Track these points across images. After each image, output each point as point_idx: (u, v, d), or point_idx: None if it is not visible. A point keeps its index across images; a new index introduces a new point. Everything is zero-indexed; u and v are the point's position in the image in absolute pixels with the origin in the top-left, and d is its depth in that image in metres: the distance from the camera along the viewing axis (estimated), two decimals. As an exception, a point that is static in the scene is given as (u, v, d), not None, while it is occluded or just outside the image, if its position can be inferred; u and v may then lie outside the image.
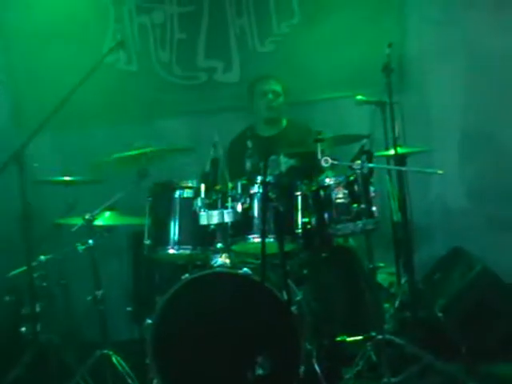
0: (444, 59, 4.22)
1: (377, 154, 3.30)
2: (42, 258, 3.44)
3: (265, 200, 2.91)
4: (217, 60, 4.49)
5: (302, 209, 3.02)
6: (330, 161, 2.95)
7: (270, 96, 3.84)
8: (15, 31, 4.35)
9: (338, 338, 3.16)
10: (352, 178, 3.04)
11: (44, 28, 4.27)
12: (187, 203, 3.03)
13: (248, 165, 3.15)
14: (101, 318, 3.18)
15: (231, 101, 4.38)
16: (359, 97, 3.58)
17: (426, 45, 4.22)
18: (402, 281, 3.56)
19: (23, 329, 3.42)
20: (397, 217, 3.49)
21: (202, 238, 3.02)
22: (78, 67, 3.50)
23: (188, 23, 4.49)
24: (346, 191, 3.03)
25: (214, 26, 4.45)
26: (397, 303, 3.51)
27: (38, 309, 3.23)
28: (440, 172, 3.17)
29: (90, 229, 3.16)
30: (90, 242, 3.15)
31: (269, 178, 2.95)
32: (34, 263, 3.31)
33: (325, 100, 4.28)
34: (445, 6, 4.19)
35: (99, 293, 3.18)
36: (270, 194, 2.92)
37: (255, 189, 3.00)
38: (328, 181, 3.06)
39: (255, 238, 2.94)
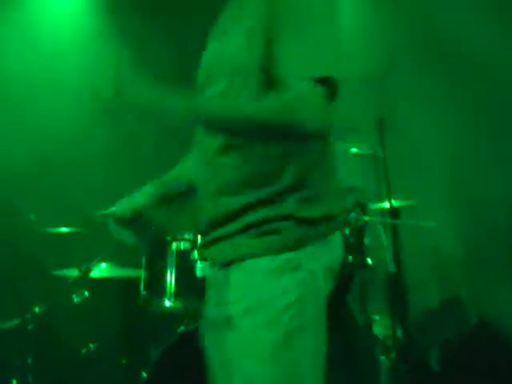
0: (432, 111, 4.32)
1: (370, 206, 3.36)
2: (37, 309, 3.42)
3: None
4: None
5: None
6: None
7: None
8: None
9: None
10: (347, 230, 3.09)
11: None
12: (184, 255, 3.05)
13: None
14: (94, 370, 3.15)
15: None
16: (353, 149, 3.65)
17: (414, 98, 4.33)
18: (398, 333, 3.56)
19: (14, 381, 3.36)
20: (391, 268, 3.52)
21: (199, 290, 3.02)
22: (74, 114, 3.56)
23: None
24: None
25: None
26: (392, 356, 3.50)
27: (29, 361, 3.19)
28: (433, 224, 3.24)
29: (85, 280, 3.17)
30: (86, 293, 3.15)
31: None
32: (27, 315, 3.30)
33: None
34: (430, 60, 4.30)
35: (93, 345, 3.16)
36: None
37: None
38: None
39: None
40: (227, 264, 1.65)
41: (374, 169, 3.59)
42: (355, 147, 3.62)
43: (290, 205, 1.60)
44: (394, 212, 3.42)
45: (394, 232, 3.47)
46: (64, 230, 3.55)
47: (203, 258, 2.90)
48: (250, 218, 1.62)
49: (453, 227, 4.32)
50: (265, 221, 1.60)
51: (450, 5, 4.18)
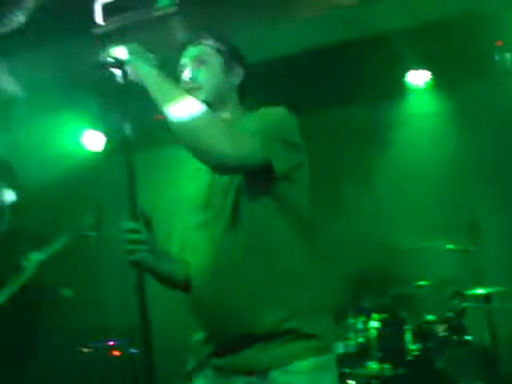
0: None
1: (467, 293, 4.10)
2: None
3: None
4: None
5: (410, 339, 3.84)
6: None
7: None
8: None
9: None
10: (450, 314, 3.88)
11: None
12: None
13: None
14: None
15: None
16: (449, 246, 4.39)
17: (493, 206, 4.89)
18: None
19: None
20: (487, 344, 4.19)
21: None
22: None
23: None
24: (446, 325, 3.86)
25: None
26: None
27: None
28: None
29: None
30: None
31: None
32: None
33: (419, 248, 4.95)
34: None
35: None
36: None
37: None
38: (430, 317, 3.91)
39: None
40: (261, 372, 1.70)
41: (468, 262, 4.33)
42: (451, 244, 4.38)
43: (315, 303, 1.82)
44: (487, 297, 4.15)
45: (488, 314, 4.19)
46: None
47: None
48: (286, 324, 1.73)
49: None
50: (300, 327, 1.74)
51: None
